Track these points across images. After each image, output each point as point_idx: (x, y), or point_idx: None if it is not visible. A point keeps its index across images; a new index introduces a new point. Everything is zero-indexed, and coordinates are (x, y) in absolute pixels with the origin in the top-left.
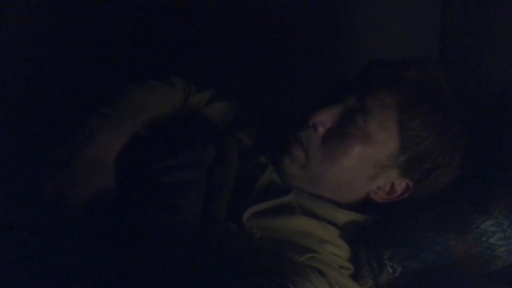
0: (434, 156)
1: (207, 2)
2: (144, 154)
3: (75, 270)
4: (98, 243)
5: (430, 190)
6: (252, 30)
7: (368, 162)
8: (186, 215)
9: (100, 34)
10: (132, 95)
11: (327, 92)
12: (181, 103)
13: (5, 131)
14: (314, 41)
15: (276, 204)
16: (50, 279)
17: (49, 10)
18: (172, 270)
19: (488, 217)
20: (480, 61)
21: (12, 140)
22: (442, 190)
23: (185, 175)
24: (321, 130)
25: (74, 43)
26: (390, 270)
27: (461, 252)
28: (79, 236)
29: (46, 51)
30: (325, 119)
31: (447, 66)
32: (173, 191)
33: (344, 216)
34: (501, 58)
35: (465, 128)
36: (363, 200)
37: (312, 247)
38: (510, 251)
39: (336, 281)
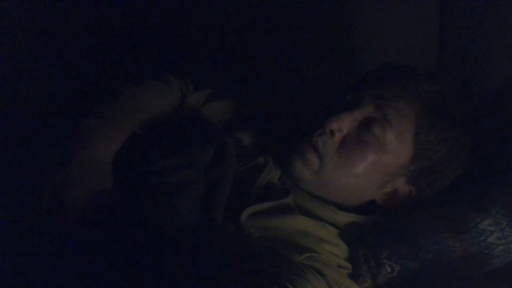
0: (442, 168)
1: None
2: (142, 155)
3: (73, 271)
4: (96, 244)
5: (431, 195)
6: (251, 29)
7: (381, 170)
8: (184, 215)
9: (97, 34)
10: (129, 95)
11: (339, 94)
12: (179, 102)
13: (3, 131)
14: (313, 41)
15: (274, 205)
16: (48, 280)
17: (47, 10)
18: (170, 270)
19: (487, 217)
20: (479, 61)
21: (10, 141)
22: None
23: (182, 176)
24: (337, 136)
25: (71, 43)
26: (388, 269)
27: (459, 251)
28: (77, 237)
29: (43, 52)
30: (343, 125)
31: (445, 66)
32: (170, 192)
33: (344, 218)
34: (500, 57)
35: (471, 140)
36: (366, 203)
37: (310, 247)
38: (508, 250)
39: (334, 280)
